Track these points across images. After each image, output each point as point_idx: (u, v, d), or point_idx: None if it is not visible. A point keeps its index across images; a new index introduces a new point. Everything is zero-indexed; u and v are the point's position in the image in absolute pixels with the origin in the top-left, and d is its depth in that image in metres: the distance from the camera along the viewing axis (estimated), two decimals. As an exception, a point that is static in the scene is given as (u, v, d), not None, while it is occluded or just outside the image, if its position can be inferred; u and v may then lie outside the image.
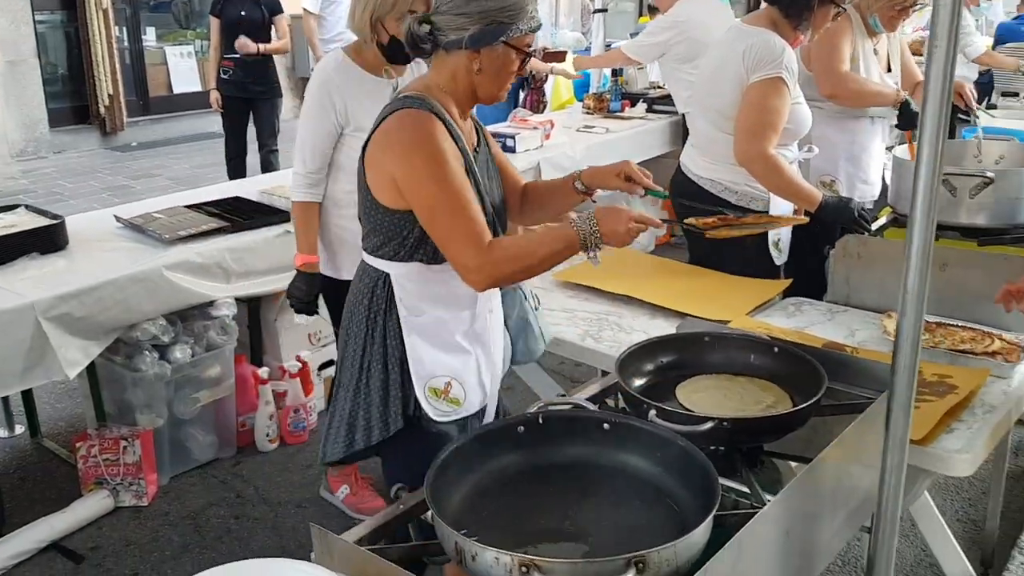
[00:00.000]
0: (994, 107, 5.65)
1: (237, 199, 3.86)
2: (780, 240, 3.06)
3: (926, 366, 2.28)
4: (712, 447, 1.71)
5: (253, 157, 6.63)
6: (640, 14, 8.11)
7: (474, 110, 2.12)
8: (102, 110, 9.42)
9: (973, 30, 6.32)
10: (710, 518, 1.39)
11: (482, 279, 1.91)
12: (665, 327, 2.52)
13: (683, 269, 3.09)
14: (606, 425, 1.68)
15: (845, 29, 3.38)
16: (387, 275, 2.00)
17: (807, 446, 1.77)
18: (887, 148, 3.81)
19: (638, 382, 1.97)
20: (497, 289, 2.14)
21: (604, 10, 6.42)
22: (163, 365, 3.27)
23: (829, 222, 2.94)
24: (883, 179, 3.76)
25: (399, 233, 1.96)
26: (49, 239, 3.23)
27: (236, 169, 6.58)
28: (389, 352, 2.00)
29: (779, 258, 3.07)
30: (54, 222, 3.29)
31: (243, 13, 6.28)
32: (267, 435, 3.68)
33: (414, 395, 2.01)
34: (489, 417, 2.16)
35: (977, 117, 3.67)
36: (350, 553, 1.42)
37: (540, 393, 2.81)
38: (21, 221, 3.31)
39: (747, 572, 1.43)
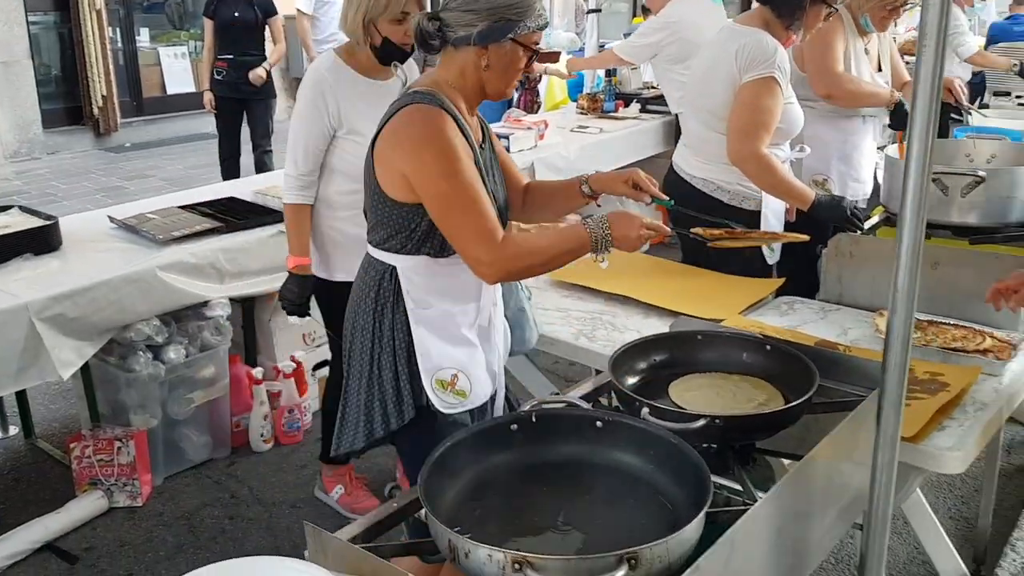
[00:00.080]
0: (986, 107, 5.67)
1: (231, 199, 3.86)
2: (772, 239, 3.08)
3: (918, 364, 2.29)
4: (705, 445, 1.72)
5: (247, 158, 6.64)
6: (634, 14, 8.13)
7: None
8: (95, 111, 9.41)
9: (966, 30, 6.35)
10: (702, 515, 1.39)
11: (495, 273, 1.94)
12: (659, 326, 2.53)
13: (677, 269, 3.10)
14: (599, 423, 1.69)
15: (837, 29, 3.40)
16: (394, 268, 2.03)
17: (800, 444, 1.78)
18: (879, 148, 3.83)
19: (631, 380, 1.97)
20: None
21: (598, 10, 6.43)
22: (157, 365, 3.27)
23: (822, 220, 2.95)
24: (875, 178, 3.77)
25: (406, 226, 1.98)
26: (43, 240, 3.23)
27: (230, 170, 6.57)
28: (397, 344, 2.03)
29: (771, 257, 3.08)
30: (48, 223, 3.29)
31: (236, 14, 6.28)
32: (261, 435, 3.68)
33: (423, 386, 2.04)
34: (499, 407, 2.20)
35: (970, 115, 3.69)
36: (344, 551, 1.43)
37: (534, 392, 2.82)
38: (15, 222, 3.30)
39: (739, 568, 1.44)
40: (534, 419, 1.70)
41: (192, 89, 10.10)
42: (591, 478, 1.64)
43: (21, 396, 3.73)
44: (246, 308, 3.75)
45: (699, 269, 3.00)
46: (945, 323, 2.52)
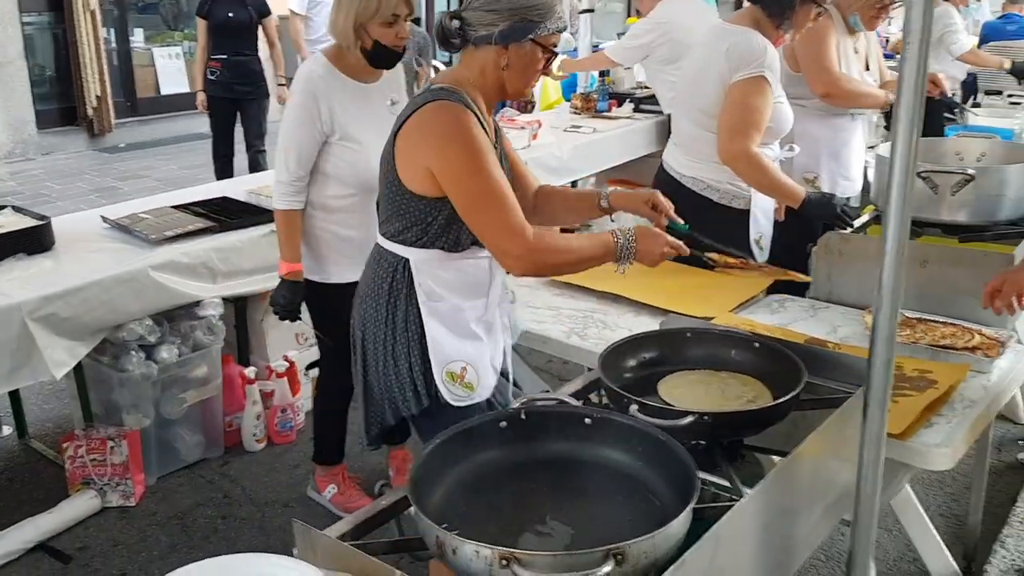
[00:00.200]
0: (978, 105, 5.69)
1: (224, 199, 3.87)
2: (762, 238, 3.09)
3: (907, 361, 2.30)
4: (693, 441, 1.73)
5: (241, 158, 6.63)
6: (628, 14, 8.13)
7: None
8: (90, 112, 9.39)
9: (960, 28, 6.36)
10: (688, 510, 1.40)
11: (525, 266, 2.00)
12: (650, 324, 2.54)
13: (668, 267, 3.06)
14: (588, 420, 1.70)
15: (830, 27, 3.41)
16: (407, 260, 2.08)
17: (788, 440, 1.78)
18: (870, 147, 3.85)
19: (621, 378, 1.98)
20: (506, 279, 2.23)
21: (591, 10, 6.43)
22: (150, 365, 3.27)
23: (812, 218, 2.96)
24: (865, 176, 3.79)
25: (423, 219, 2.03)
26: (35, 240, 3.23)
27: (224, 170, 6.58)
28: (411, 335, 2.09)
29: (761, 256, 3.09)
30: (40, 223, 3.29)
31: (231, 15, 6.28)
32: (254, 435, 3.68)
33: (434, 377, 2.10)
34: (507, 399, 2.24)
35: (962, 114, 3.70)
36: (332, 548, 1.43)
37: (524, 389, 2.82)
38: (8, 222, 3.30)
39: (725, 564, 1.45)
40: (523, 416, 1.71)
41: (186, 89, 10.09)
42: (580, 475, 1.65)
43: (14, 396, 3.73)
44: (239, 308, 3.75)
45: (690, 268, 3.00)
46: (934, 320, 2.53)
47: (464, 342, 2.12)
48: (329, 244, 2.92)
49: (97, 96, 9.35)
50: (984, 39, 7.36)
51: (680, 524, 1.39)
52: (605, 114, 5.75)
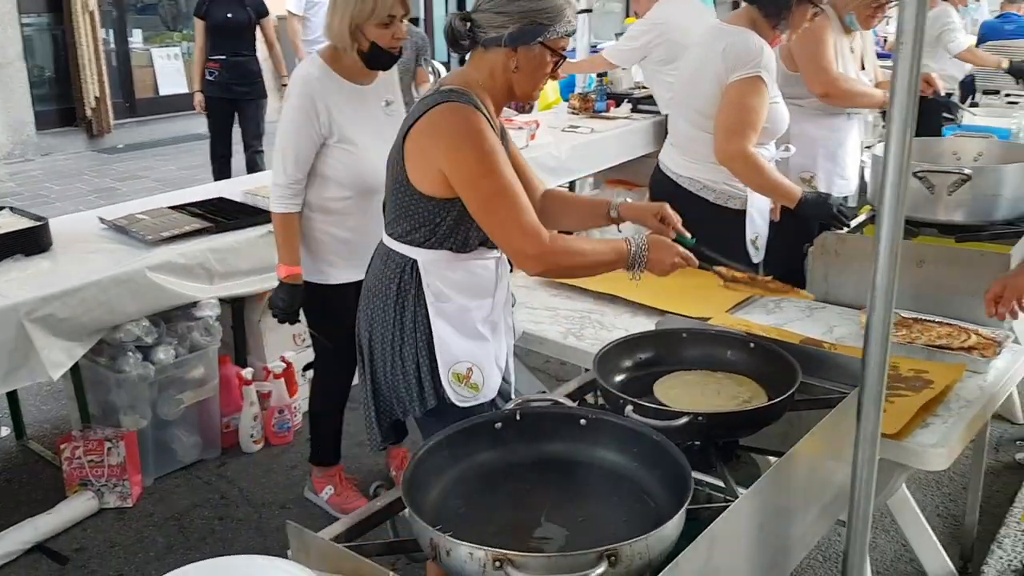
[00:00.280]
0: (976, 105, 5.69)
1: (221, 200, 3.86)
2: (757, 238, 3.09)
3: (903, 361, 2.30)
4: (688, 442, 1.73)
5: (239, 158, 6.63)
6: (627, 14, 8.13)
7: None
8: (88, 112, 9.40)
9: (958, 27, 6.36)
10: (682, 511, 1.40)
11: (540, 266, 2.01)
12: (647, 325, 2.54)
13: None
14: (583, 421, 1.70)
15: (827, 27, 3.41)
16: (414, 261, 2.09)
17: (783, 441, 1.78)
18: (867, 147, 3.85)
19: (616, 378, 1.98)
20: (510, 280, 2.26)
21: (589, 10, 6.43)
22: (147, 366, 3.27)
23: (808, 218, 2.96)
24: (861, 176, 3.79)
25: (432, 220, 2.04)
26: (33, 241, 3.23)
27: (221, 170, 6.58)
28: (419, 336, 2.10)
29: (756, 256, 3.10)
30: (38, 224, 3.29)
31: (229, 15, 6.28)
32: (251, 436, 3.68)
33: (440, 378, 2.12)
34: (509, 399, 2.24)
35: (957, 110, 3.70)
36: (326, 550, 1.43)
37: (522, 390, 2.82)
38: (5, 223, 3.31)
39: (720, 564, 1.45)
40: (518, 417, 1.71)
41: (185, 90, 10.10)
42: (575, 476, 1.65)
43: (12, 397, 3.73)
44: (236, 308, 3.75)
45: (686, 268, 3.00)
46: (930, 320, 2.53)
47: (471, 342, 2.13)
48: (326, 246, 2.92)
49: (96, 97, 9.36)
50: (982, 39, 7.36)
51: (674, 525, 1.39)
52: (603, 114, 5.75)
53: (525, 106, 6.29)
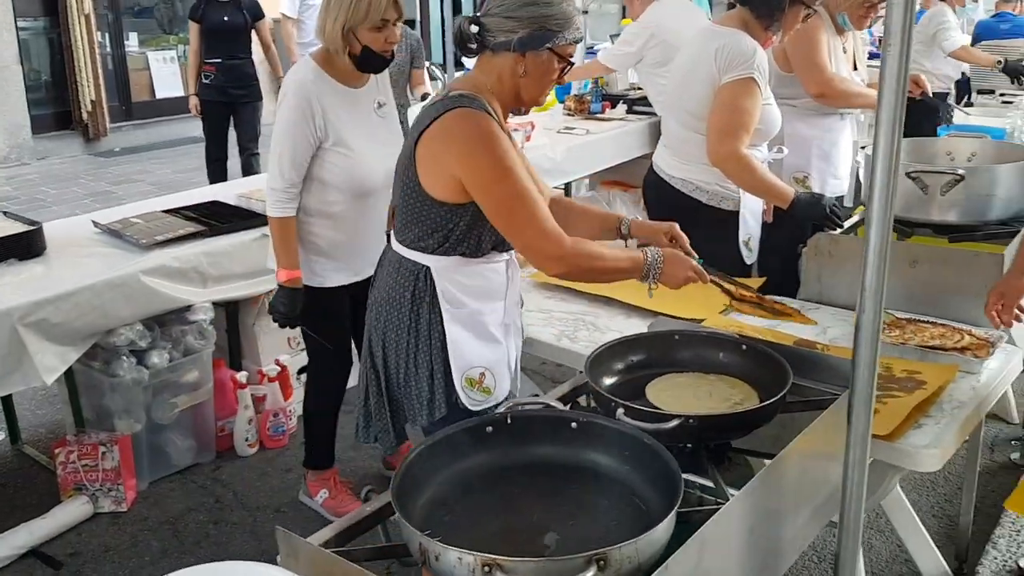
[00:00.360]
0: (971, 105, 5.69)
1: (215, 203, 3.86)
2: (750, 239, 3.09)
3: (896, 362, 2.30)
4: (680, 445, 1.73)
5: (234, 161, 6.63)
6: (624, 16, 8.12)
7: None
8: (85, 116, 9.39)
9: (953, 26, 6.36)
10: (672, 515, 1.40)
11: (561, 267, 2.02)
12: (640, 327, 2.53)
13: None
14: (574, 424, 1.69)
15: (821, 27, 3.41)
16: (427, 268, 2.09)
17: (775, 443, 1.78)
18: (861, 147, 3.85)
19: (608, 381, 1.98)
20: (521, 282, 2.27)
21: (585, 12, 6.43)
22: (141, 370, 3.26)
23: (801, 219, 2.96)
24: (856, 177, 3.79)
25: (444, 226, 2.05)
26: (27, 245, 3.23)
27: (217, 173, 6.57)
28: (434, 343, 2.11)
29: (749, 257, 3.10)
30: (31, 228, 3.29)
31: (225, 19, 6.28)
32: (246, 440, 3.67)
33: (454, 384, 2.12)
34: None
35: (949, 111, 3.70)
36: (315, 556, 1.43)
37: (515, 393, 2.82)
38: (-1, 227, 3.31)
39: (710, 568, 1.44)
40: (509, 420, 1.70)
41: (181, 93, 10.09)
42: (566, 479, 1.64)
43: (7, 402, 3.72)
44: (230, 312, 3.74)
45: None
46: (923, 321, 2.53)
47: (485, 347, 2.14)
48: (322, 249, 2.92)
49: (92, 100, 9.36)
50: (977, 38, 7.36)
51: (664, 529, 1.38)
52: (599, 116, 5.75)
53: (521, 108, 6.31)
